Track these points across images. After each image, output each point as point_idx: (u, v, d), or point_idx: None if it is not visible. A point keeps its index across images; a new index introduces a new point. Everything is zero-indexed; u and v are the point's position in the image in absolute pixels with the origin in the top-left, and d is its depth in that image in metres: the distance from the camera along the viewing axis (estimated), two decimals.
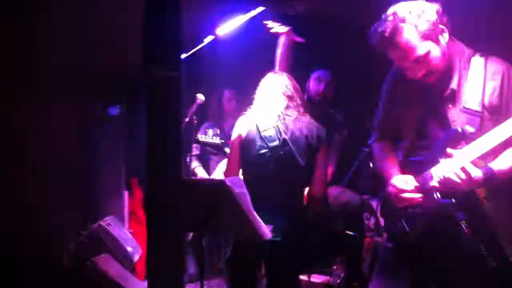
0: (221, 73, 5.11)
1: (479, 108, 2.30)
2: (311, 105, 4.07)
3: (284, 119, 3.14)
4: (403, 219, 2.46)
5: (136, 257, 4.72)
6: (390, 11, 2.32)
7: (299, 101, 3.24)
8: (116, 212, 5.18)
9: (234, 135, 3.21)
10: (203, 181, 2.76)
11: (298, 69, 3.84)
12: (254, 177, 3.09)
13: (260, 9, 3.40)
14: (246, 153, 3.14)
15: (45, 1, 3.45)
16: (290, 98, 3.21)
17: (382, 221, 3.74)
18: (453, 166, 2.22)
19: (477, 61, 2.36)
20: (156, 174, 2.41)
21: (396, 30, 2.27)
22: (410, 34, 2.26)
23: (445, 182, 2.25)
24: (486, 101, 2.30)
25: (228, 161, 3.24)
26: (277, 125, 3.12)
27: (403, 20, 2.27)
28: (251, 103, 3.32)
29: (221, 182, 2.45)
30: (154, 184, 2.42)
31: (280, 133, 3.09)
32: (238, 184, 2.47)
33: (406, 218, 2.45)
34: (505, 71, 2.31)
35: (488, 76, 2.32)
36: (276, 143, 3.08)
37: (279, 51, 3.97)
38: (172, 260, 2.33)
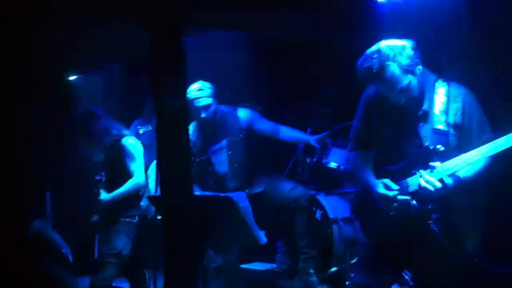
0: None
1: (445, 127, 2.75)
2: None
3: None
4: (380, 219, 2.86)
5: (71, 258, 4.77)
6: (373, 48, 2.69)
7: None
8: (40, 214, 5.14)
9: None
10: (211, 196, 2.99)
11: None
12: None
13: None
14: None
15: None
16: None
17: (330, 214, 4.19)
18: (431, 178, 2.64)
19: (441, 85, 2.81)
20: (169, 190, 2.61)
21: (382, 67, 2.64)
22: (394, 70, 2.65)
23: (422, 190, 2.68)
24: (451, 121, 2.75)
25: None
26: None
27: (387, 58, 2.65)
28: None
29: (228, 198, 2.70)
30: (167, 199, 2.61)
31: None
32: (243, 198, 2.74)
33: (383, 218, 2.85)
34: (465, 95, 2.78)
35: (451, 99, 2.77)
36: None
37: None
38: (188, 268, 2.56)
